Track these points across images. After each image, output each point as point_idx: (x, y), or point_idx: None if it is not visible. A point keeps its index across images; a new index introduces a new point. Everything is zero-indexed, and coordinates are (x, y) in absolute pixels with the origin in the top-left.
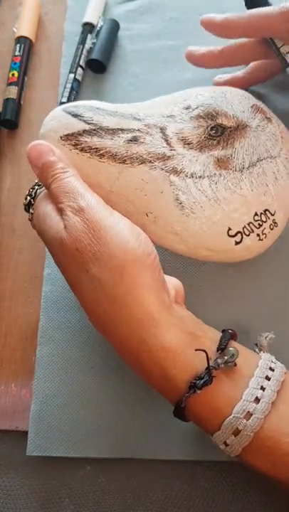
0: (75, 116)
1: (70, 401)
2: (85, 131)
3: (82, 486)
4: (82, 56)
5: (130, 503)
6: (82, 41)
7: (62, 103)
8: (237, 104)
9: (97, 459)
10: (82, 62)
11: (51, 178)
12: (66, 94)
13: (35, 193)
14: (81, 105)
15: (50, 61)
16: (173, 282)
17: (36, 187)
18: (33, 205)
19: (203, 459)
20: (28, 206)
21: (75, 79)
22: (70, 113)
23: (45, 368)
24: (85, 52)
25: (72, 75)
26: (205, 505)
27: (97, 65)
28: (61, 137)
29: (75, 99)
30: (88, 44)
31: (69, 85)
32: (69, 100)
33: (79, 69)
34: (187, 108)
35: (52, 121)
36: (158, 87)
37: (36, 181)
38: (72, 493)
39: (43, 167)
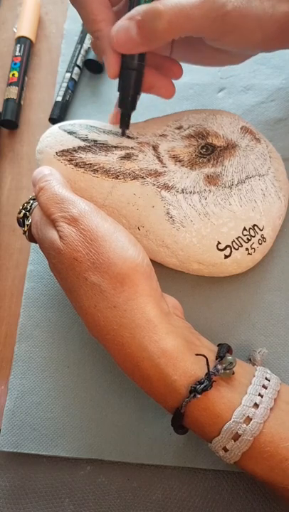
0: (71, 133)
1: (45, 399)
2: (79, 147)
3: (82, 486)
4: (80, 56)
5: (130, 503)
6: (81, 41)
7: (56, 102)
8: (227, 125)
9: (97, 460)
10: (79, 62)
11: (39, 190)
12: (61, 93)
13: (31, 206)
14: (77, 123)
15: (50, 61)
16: (169, 299)
17: (31, 201)
18: (27, 217)
19: (174, 464)
20: (23, 220)
21: (71, 78)
22: (65, 130)
23: (22, 365)
24: (82, 51)
25: (68, 74)
26: (205, 505)
27: (94, 65)
28: (57, 153)
29: (70, 99)
30: (86, 44)
31: (65, 84)
32: (64, 99)
33: (76, 68)
34: (179, 128)
35: (48, 137)
36: None
37: (31, 196)
38: (72, 493)
39: (33, 182)
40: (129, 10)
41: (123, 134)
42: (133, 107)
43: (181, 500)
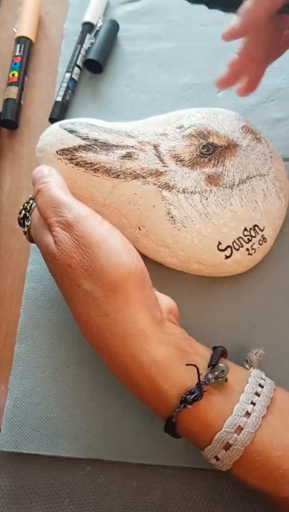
0: (71, 132)
1: (45, 399)
2: (80, 146)
3: (82, 486)
4: (80, 56)
5: (130, 503)
6: (81, 41)
7: (56, 102)
8: (228, 124)
9: (97, 460)
10: (79, 62)
11: (37, 192)
12: (61, 93)
13: (31, 206)
14: (77, 122)
15: (50, 61)
16: (166, 301)
17: (31, 201)
18: (28, 218)
19: (174, 464)
20: (23, 220)
21: (71, 78)
22: (66, 129)
23: (22, 365)
24: (82, 51)
25: (68, 74)
26: (205, 505)
27: (94, 65)
28: (57, 152)
29: (70, 99)
30: (86, 44)
31: (65, 84)
32: (64, 99)
33: (76, 68)
34: (180, 127)
35: (48, 136)
36: (154, 89)
37: (31, 196)
38: (72, 493)
39: (33, 181)
40: None
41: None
42: None
43: (181, 500)
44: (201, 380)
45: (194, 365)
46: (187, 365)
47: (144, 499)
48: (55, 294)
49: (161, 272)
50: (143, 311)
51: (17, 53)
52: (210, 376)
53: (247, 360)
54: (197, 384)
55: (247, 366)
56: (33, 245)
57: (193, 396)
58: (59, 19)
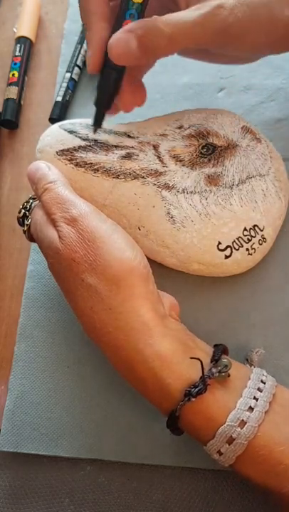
0: (71, 132)
1: (45, 399)
2: (80, 147)
3: (82, 486)
4: (80, 56)
5: (130, 503)
6: (81, 41)
7: (56, 102)
8: (228, 125)
9: (97, 460)
10: (79, 62)
11: (42, 189)
12: (61, 93)
13: (31, 206)
14: (77, 122)
15: (50, 61)
16: (167, 297)
17: (31, 200)
18: (27, 217)
19: (174, 464)
20: (23, 219)
21: (71, 78)
22: (66, 130)
23: (22, 365)
24: (82, 51)
25: (68, 74)
26: (205, 505)
27: None
28: (57, 152)
29: (70, 99)
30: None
31: (65, 84)
32: (64, 99)
33: (76, 68)
34: (179, 127)
35: (48, 136)
36: (154, 89)
37: (31, 195)
38: (72, 493)
39: (37, 180)
40: (120, 10)
41: (94, 132)
42: (108, 107)
43: (181, 500)
44: (205, 373)
45: (198, 359)
46: (191, 358)
47: (144, 499)
48: (55, 294)
49: (161, 272)
50: (146, 305)
51: (17, 53)
52: (213, 370)
53: (247, 359)
54: (201, 377)
55: (247, 365)
56: (33, 245)
57: (197, 389)
58: (59, 19)
